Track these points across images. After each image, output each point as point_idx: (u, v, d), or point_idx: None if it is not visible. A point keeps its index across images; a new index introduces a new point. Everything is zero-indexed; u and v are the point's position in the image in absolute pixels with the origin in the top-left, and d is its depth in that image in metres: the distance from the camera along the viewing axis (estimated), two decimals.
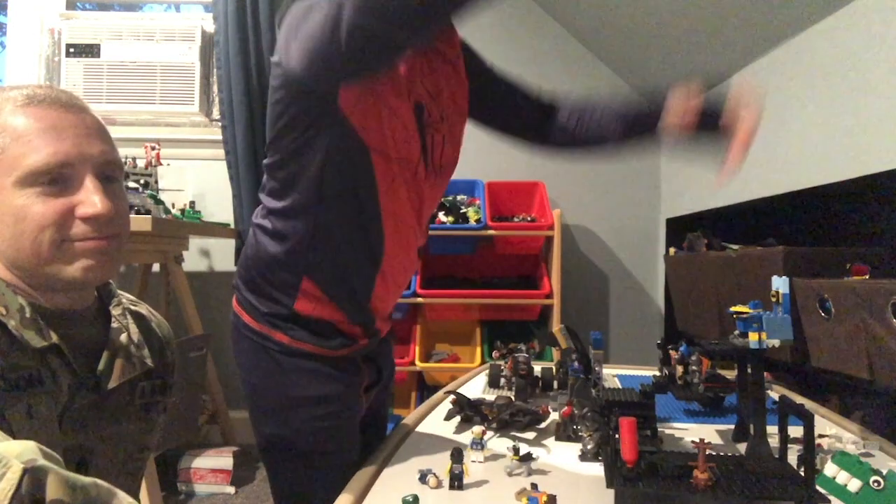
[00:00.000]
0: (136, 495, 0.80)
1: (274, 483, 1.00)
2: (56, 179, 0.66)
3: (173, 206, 2.39)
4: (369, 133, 0.86)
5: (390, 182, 0.91)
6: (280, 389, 0.94)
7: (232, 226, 2.70)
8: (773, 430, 0.86)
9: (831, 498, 0.71)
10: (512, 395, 1.30)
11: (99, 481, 0.47)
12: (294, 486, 0.97)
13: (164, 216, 2.09)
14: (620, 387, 1.07)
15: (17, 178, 0.64)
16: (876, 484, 0.70)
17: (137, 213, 1.88)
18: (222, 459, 2.24)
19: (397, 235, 0.95)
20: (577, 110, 1.08)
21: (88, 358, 0.72)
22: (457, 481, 0.81)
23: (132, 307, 0.84)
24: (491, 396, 1.24)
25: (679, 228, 2.45)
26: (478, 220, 2.47)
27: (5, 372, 0.62)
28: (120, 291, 0.83)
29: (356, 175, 0.88)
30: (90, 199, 0.67)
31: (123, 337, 0.77)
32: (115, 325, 0.77)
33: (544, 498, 0.73)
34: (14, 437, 0.52)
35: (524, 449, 0.89)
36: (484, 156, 2.85)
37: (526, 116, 1.12)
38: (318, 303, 0.93)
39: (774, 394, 1.35)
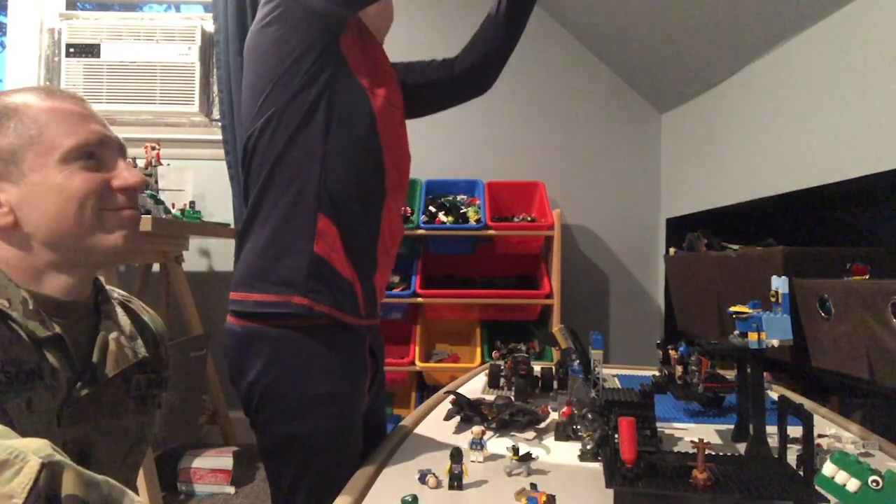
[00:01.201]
0: (134, 486, 0.83)
1: (280, 484, 0.98)
2: (92, 157, 0.72)
3: (173, 206, 2.39)
4: (362, 73, 0.98)
5: (385, 119, 1.00)
6: (296, 388, 0.94)
7: (232, 226, 2.70)
8: (772, 430, 0.86)
9: (830, 497, 0.71)
10: (512, 395, 1.30)
11: (111, 480, 0.48)
12: (301, 486, 0.96)
13: (164, 216, 2.09)
14: (620, 387, 1.07)
15: (59, 156, 0.70)
16: (874, 483, 0.70)
17: None
18: (222, 459, 2.24)
19: (393, 178, 1.02)
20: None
21: (85, 350, 0.74)
22: (456, 481, 0.81)
23: (125, 302, 0.86)
24: (491, 396, 1.24)
25: (679, 228, 2.45)
26: (478, 220, 2.47)
27: (5, 365, 0.63)
28: (111, 287, 0.85)
29: (359, 107, 0.97)
30: (125, 172, 0.75)
31: (116, 328, 0.78)
32: (106, 317, 0.78)
33: (544, 498, 0.73)
34: (14, 431, 0.53)
35: (524, 449, 0.89)
36: (484, 156, 2.86)
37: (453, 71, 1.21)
38: (333, 244, 0.94)
39: (774, 394, 1.35)
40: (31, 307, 0.68)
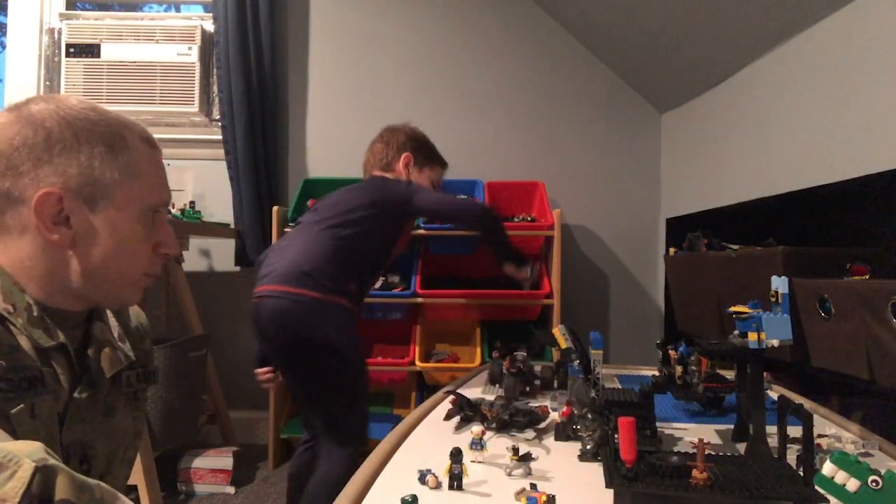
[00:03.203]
0: (128, 479, 0.85)
1: (346, 389, 1.54)
2: (155, 218, 0.76)
3: (173, 206, 2.39)
4: (406, 230, 1.75)
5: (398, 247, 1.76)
6: (353, 331, 1.59)
7: (232, 226, 2.70)
8: (772, 430, 0.87)
9: (830, 497, 0.71)
10: (503, 392, 1.30)
11: (102, 483, 0.48)
12: (361, 388, 1.58)
13: None
14: (620, 387, 1.07)
15: (140, 208, 0.74)
16: (874, 483, 0.70)
17: None
18: (222, 459, 2.24)
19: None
20: None
21: (81, 353, 0.75)
22: (456, 481, 0.81)
23: None
24: (491, 396, 1.24)
25: (679, 228, 2.45)
26: None
27: (8, 373, 0.62)
28: None
29: (392, 247, 1.72)
30: (173, 241, 0.79)
31: (107, 331, 0.80)
32: (98, 319, 0.80)
33: (544, 498, 0.73)
34: (17, 438, 0.53)
35: (524, 449, 0.89)
36: (484, 156, 2.86)
37: None
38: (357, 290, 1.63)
39: (774, 394, 1.35)
40: (35, 314, 0.68)
